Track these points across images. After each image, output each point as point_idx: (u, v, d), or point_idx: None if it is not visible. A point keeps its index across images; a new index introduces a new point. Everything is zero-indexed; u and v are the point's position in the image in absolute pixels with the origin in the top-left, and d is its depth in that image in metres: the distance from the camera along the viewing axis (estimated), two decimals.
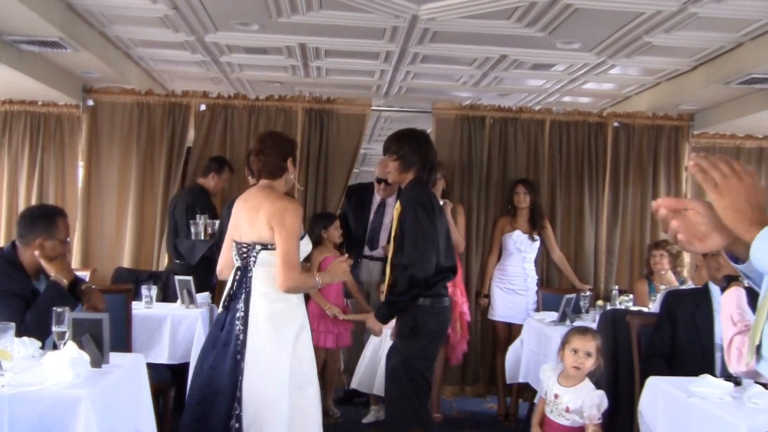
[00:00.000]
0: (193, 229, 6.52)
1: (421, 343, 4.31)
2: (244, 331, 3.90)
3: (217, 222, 6.44)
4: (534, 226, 6.82)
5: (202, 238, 6.49)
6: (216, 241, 6.12)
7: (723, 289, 3.09)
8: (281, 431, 3.83)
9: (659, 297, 5.56)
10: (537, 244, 6.80)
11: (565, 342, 4.24)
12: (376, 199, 6.76)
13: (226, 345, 3.94)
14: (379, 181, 6.53)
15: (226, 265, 4.19)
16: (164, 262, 7.14)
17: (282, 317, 3.94)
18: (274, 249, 3.90)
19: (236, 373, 3.87)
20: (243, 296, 3.94)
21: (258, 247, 3.95)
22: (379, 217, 6.66)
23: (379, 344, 5.98)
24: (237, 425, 3.83)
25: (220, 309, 4.06)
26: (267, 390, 3.86)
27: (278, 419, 3.84)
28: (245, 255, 3.99)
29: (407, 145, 4.42)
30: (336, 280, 4.54)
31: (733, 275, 3.05)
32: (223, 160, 6.81)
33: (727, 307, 2.68)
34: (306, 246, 4.15)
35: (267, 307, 3.92)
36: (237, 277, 4.02)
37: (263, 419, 3.83)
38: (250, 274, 3.97)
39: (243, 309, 3.92)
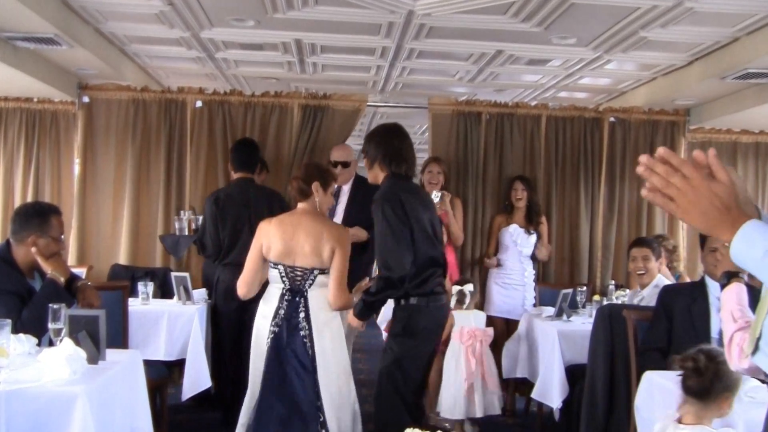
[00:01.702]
0: (177, 225, 6.61)
1: (414, 342, 4.29)
2: (312, 348, 4.19)
3: (201, 217, 6.43)
4: (531, 221, 6.83)
5: (186, 233, 6.57)
6: (199, 236, 6.13)
7: (723, 286, 3.06)
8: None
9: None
10: (533, 238, 6.80)
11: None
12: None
13: (300, 362, 4.21)
14: (336, 164, 6.20)
15: (254, 283, 4.43)
16: (162, 258, 7.14)
17: (338, 328, 4.33)
18: (328, 273, 4.23)
19: (315, 387, 4.17)
20: (303, 316, 4.21)
21: (316, 272, 4.23)
22: (350, 211, 6.26)
23: (455, 368, 5.78)
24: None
25: (273, 329, 4.24)
26: (342, 390, 4.25)
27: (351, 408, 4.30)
28: (300, 278, 4.24)
29: (370, 141, 4.47)
30: (350, 324, 4.58)
31: (734, 271, 3.04)
32: (263, 160, 6.74)
33: (728, 303, 2.67)
34: None
35: (328, 323, 4.27)
36: (288, 299, 4.25)
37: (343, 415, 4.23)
38: (305, 295, 4.24)
39: (307, 328, 4.20)
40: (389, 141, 4.41)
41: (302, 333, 4.19)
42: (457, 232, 6.58)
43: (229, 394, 5.88)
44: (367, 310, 4.36)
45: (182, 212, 6.75)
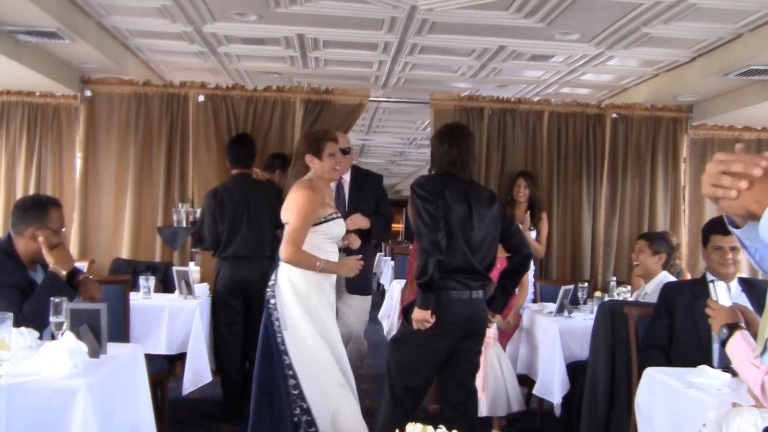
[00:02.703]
0: (175, 217, 6.68)
1: (411, 328, 4.30)
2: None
3: (198, 210, 6.53)
4: (531, 217, 6.83)
5: (184, 225, 6.64)
6: (197, 229, 6.19)
7: (724, 342, 2.94)
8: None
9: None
10: (533, 234, 6.80)
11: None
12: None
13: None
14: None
15: None
16: (162, 253, 7.15)
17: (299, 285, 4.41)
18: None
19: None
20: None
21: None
22: (340, 200, 5.95)
23: (498, 365, 5.77)
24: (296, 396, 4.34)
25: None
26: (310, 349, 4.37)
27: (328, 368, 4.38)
28: None
29: (432, 141, 4.58)
30: (342, 272, 4.57)
31: (732, 323, 2.95)
32: (283, 155, 6.75)
33: (738, 353, 2.61)
34: (335, 227, 4.51)
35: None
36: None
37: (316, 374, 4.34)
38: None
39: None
40: (443, 139, 4.46)
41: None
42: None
43: (230, 388, 5.91)
44: (428, 291, 4.21)
45: (180, 204, 6.82)
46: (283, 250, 4.35)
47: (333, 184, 5.89)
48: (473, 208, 4.30)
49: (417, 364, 4.33)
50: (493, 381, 5.73)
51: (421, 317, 4.23)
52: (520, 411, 5.86)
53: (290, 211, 4.38)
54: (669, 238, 6.31)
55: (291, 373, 4.34)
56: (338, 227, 4.55)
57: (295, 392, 4.33)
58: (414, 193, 4.30)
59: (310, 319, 4.36)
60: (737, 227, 1.71)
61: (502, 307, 4.65)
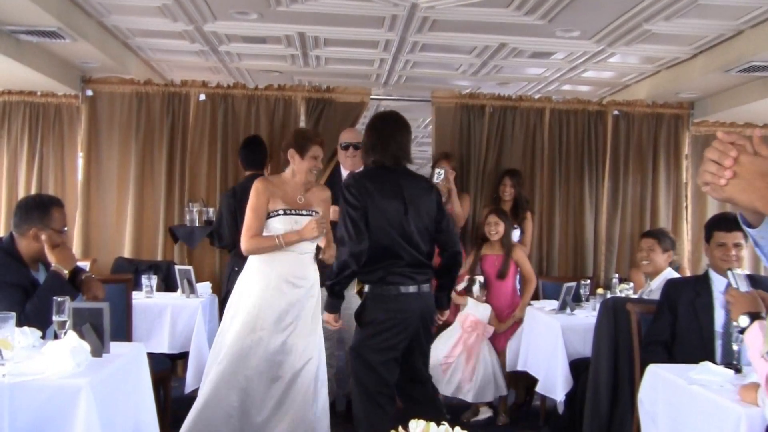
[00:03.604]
0: (188, 216, 6.85)
1: (368, 331, 4.25)
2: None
3: (211, 209, 6.82)
4: (515, 216, 6.79)
5: (197, 224, 6.83)
6: (215, 228, 6.31)
7: (743, 329, 2.92)
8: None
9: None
10: (517, 233, 6.77)
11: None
12: (343, 174, 6.13)
13: None
14: (347, 146, 6.07)
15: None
16: (164, 252, 7.16)
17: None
18: None
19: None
20: None
21: None
22: None
23: (488, 355, 6.02)
24: None
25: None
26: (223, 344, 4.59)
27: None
28: None
29: (364, 132, 4.55)
30: (306, 237, 4.45)
31: (755, 312, 2.94)
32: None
33: (755, 343, 2.61)
34: (279, 224, 4.49)
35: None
36: None
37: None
38: None
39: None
40: (374, 131, 4.42)
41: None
42: (458, 210, 6.54)
43: None
44: (333, 297, 4.27)
45: (191, 204, 6.93)
46: (241, 243, 4.54)
47: (345, 178, 5.92)
48: (407, 202, 4.25)
49: (382, 365, 4.24)
50: (483, 370, 5.95)
51: (327, 319, 4.36)
52: (502, 396, 6.12)
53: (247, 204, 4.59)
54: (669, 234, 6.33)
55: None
56: (283, 224, 4.48)
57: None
58: (342, 196, 4.24)
59: (243, 316, 4.49)
60: (751, 226, 1.70)
61: (447, 302, 4.61)
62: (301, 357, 4.47)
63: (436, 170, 6.32)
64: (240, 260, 6.09)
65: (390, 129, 4.38)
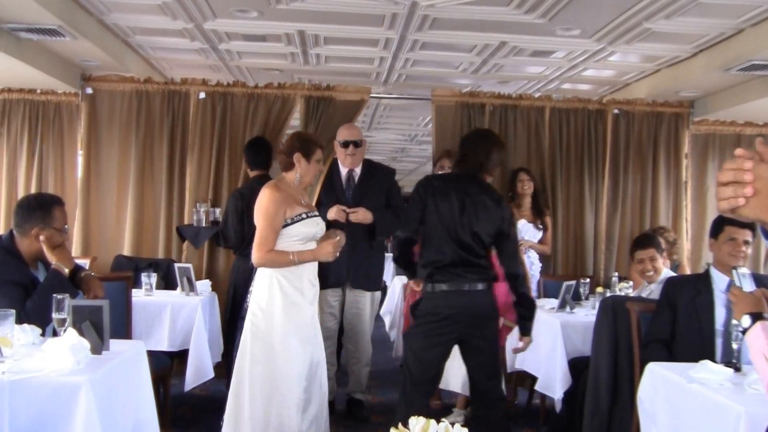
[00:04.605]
0: (195, 216, 6.88)
1: (417, 321, 4.47)
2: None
3: (218, 210, 6.87)
4: (538, 214, 6.83)
5: (204, 224, 6.85)
6: (221, 229, 6.37)
7: (745, 331, 2.94)
8: None
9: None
10: (541, 232, 6.81)
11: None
12: (342, 172, 6.02)
13: None
14: (347, 144, 5.91)
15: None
16: (164, 249, 7.16)
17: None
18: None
19: None
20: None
21: None
22: (357, 194, 5.88)
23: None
24: None
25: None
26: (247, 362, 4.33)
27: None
28: None
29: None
30: (320, 258, 4.40)
31: (757, 312, 2.94)
32: None
33: (756, 344, 2.60)
34: (305, 228, 4.34)
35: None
36: None
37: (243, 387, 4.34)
38: None
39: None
40: (464, 141, 4.67)
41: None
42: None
43: None
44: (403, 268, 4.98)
45: (199, 204, 6.96)
46: (254, 255, 4.29)
47: (344, 176, 5.94)
48: (466, 205, 4.36)
49: (424, 355, 4.37)
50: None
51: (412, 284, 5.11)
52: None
53: (257, 213, 4.34)
54: (658, 231, 6.36)
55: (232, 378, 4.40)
56: (309, 227, 4.38)
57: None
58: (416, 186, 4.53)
59: (264, 340, 4.28)
60: None
61: (528, 331, 4.61)
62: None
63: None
64: (245, 260, 6.13)
65: (475, 142, 4.57)
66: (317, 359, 4.41)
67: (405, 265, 5.12)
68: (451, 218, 4.34)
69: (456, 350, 4.62)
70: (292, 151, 4.43)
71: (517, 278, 4.49)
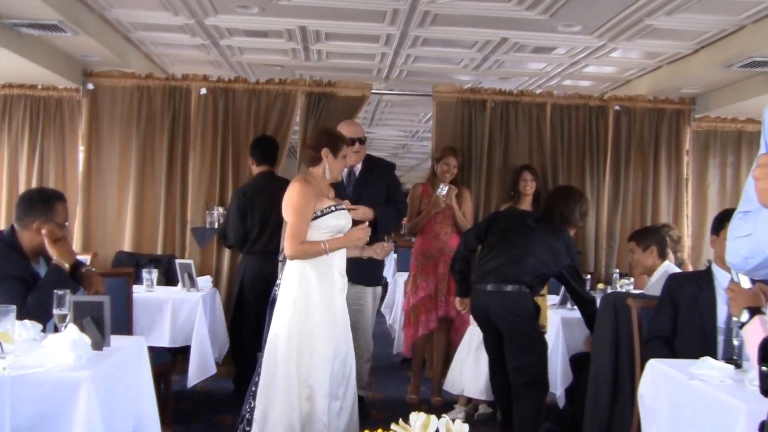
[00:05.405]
0: (208, 218, 6.96)
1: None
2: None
3: (221, 208, 6.94)
4: None
5: (216, 226, 6.91)
6: (222, 227, 6.42)
7: (743, 325, 2.95)
8: None
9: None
10: None
11: None
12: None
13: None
14: (353, 141, 5.73)
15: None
16: (165, 245, 7.16)
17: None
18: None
19: None
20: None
21: None
22: (358, 189, 5.83)
23: (471, 346, 6.01)
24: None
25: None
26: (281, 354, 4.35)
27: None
28: None
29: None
30: (352, 244, 4.50)
31: (755, 307, 2.95)
32: None
33: (754, 338, 2.60)
34: (334, 220, 4.43)
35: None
36: None
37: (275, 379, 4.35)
38: None
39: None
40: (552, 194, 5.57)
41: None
42: (463, 222, 6.52)
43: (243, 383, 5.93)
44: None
45: (213, 206, 7.01)
46: (286, 248, 4.35)
47: (345, 172, 5.91)
48: (518, 228, 5.21)
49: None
50: (459, 359, 6.04)
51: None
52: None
53: (286, 207, 4.41)
54: (663, 229, 6.33)
55: (258, 369, 4.42)
56: (339, 219, 4.45)
57: (254, 389, 4.41)
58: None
59: (298, 330, 4.30)
60: None
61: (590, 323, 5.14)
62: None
63: (441, 185, 6.32)
64: (250, 258, 6.14)
65: (558, 197, 5.31)
66: (346, 349, 4.44)
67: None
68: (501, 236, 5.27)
69: (476, 356, 5.74)
70: (320, 147, 4.49)
71: (584, 303, 5.22)
